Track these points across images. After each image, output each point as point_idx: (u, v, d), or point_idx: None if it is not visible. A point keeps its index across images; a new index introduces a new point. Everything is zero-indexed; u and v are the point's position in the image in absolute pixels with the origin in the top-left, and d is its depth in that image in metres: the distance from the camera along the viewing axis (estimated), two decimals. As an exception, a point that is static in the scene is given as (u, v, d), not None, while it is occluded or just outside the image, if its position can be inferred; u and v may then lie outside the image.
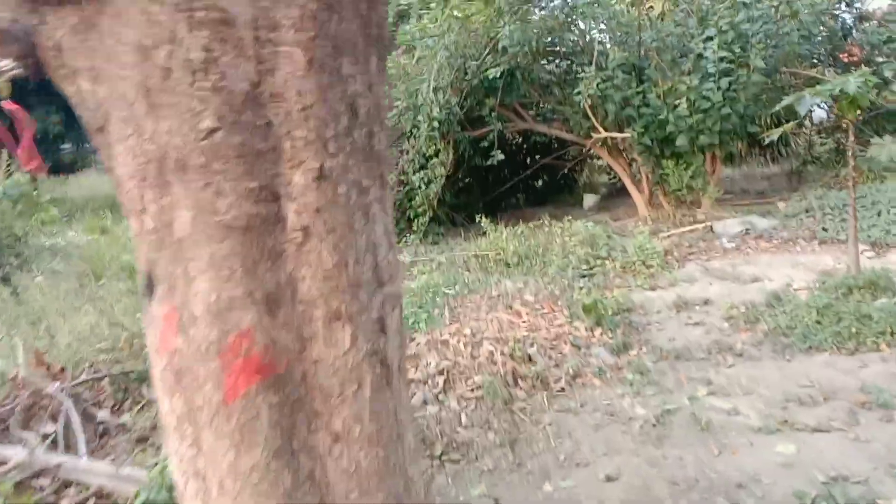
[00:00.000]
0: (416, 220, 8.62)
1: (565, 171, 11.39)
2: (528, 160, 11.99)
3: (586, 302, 4.86)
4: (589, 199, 10.82)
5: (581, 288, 5.82)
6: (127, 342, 4.50)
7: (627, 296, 5.60)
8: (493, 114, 8.77)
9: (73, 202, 19.44)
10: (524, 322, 4.88)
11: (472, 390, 4.06)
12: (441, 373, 4.18)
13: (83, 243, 9.50)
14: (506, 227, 7.73)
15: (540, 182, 12.37)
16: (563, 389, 4.11)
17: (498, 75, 8.25)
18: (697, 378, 4.18)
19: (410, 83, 8.86)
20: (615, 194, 11.46)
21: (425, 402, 3.97)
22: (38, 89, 13.82)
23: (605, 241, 6.88)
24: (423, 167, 8.60)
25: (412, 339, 4.58)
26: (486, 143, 9.07)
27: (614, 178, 11.27)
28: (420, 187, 8.41)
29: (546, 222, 7.79)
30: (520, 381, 4.15)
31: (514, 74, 9.00)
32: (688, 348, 4.61)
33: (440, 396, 4.03)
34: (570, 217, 9.68)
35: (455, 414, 3.86)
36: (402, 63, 8.95)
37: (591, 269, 6.48)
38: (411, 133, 8.56)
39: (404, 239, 8.53)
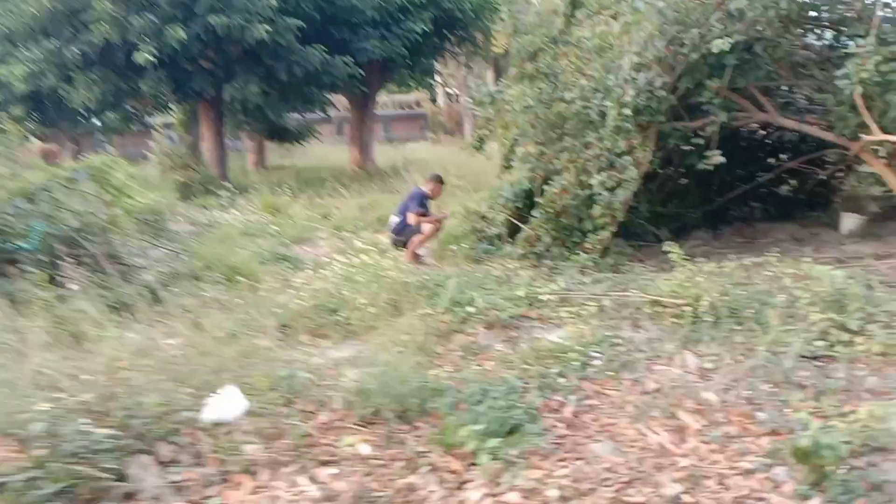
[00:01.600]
0: (591, 235, 6.77)
1: (819, 179, 8.66)
2: (770, 161, 9.39)
3: (801, 443, 2.82)
4: (849, 221, 8.06)
5: (804, 387, 3.71)
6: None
7: (884, 417, 3.38)
8: (715, 100, 6.53)
9: (279, 174, 20.20)
10: (684, 454, 2.99)
11: None
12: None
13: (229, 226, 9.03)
14: (709, 257, 5.64)
15: (783, 189, 9.69)
16: None
17: (727, 48, 6.03)
18: None
19: (609, 58, 6.98)
20: (890, 215, 8.51)
21: None
22: (235, 61, 14.00)
23: (859, 304, 4.54)
24: (609, 165, 6.69)
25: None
26: (704, 139, 6.90)
27: (890, 193, 8.31)
28: (600, 193, 6.52)
29: (772, 260, 5.53)
30: None
31: (753, 49, 6.68)
32: None
33: None
34: (813, 252, 7.25)
35: None
36: (601, 33, 7.07)
37: (829, 348, 4.25)
38: (593, 123, 6.68)
39: (570, 258, 6.73)
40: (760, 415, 3.45)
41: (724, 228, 8.99)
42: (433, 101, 34.98)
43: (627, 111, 6.14)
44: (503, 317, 4.95)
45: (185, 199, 13.30)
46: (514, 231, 7.74)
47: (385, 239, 8.34)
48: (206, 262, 6.08)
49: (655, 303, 5.02)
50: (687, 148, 7.21)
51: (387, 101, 36.82)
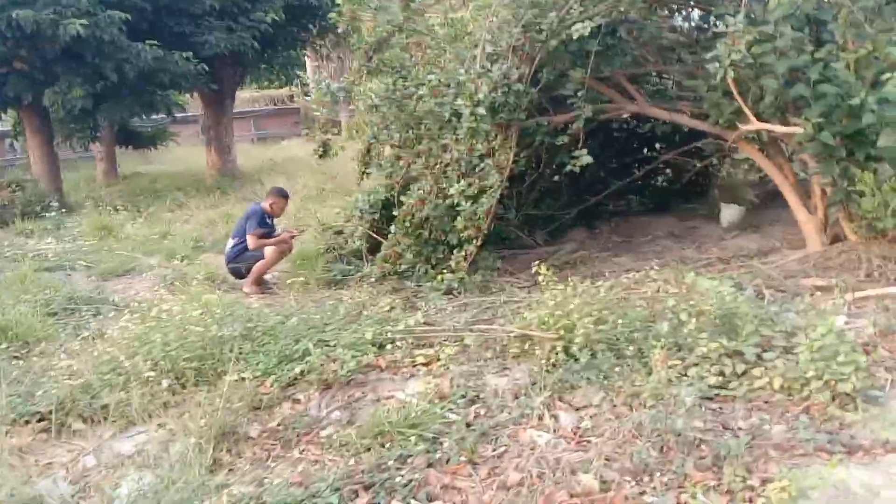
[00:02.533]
0: (455, 252, 5.97)
1: (696, 169, 8.30)
2: (645, 152, 8.98)
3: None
4: (729, 213, 7.72)
5: (701, 447, 3.04)
6: None
7: (799, 495, 2.73)
8: (580, 92, 5.87)
9: (131, 184, 18.33)
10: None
11: None
12: None
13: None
14: (582, 279, 4.97)
15: (660, 181, 9.33)
16: None
17: (587, 33, 5.37)
18: None
19: (463, 47, 6.20)
20: (768, 202, 8.27)
21: None
22: (54, 61, 12.30)
23: (753, 325, 3.95)
24: (471, 171, 5.91)
25: None
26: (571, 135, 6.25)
27: (766, 178, 8.07)
28: (460, 204, 5.73)
29: (652, 274, 4.92)
30: None
31: (617, 33, 6.09)
32: None
33: None
34: (695, 250, 6.79)
35: None
36: (453, 19, 6.27)
37: (725, 384, 3.63)
38: (450, 122, 5.87)
39: (431, 283, 5.92)
40: (651, 501, 2.73)
41: (602, 226, 8.49)
42: (306, 95, 33.49)
43: (482, 110, 5.36)
44: (342, 372, 4.04)
45: (4, 224, 11.52)
46: (375, 247, 6.86)
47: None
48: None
49: (524, 337, 4.27)
50: (558, 143, 6.55)
51: (257, 96, 35.16)
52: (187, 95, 19.26)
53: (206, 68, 13.73)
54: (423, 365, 4.24)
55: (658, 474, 2.88)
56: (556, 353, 4.04)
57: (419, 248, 6.32)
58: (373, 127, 6.96)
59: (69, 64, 12.52)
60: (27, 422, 3.68)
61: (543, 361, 4.05)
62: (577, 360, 3.96)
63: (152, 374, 3.80)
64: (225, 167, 18.49)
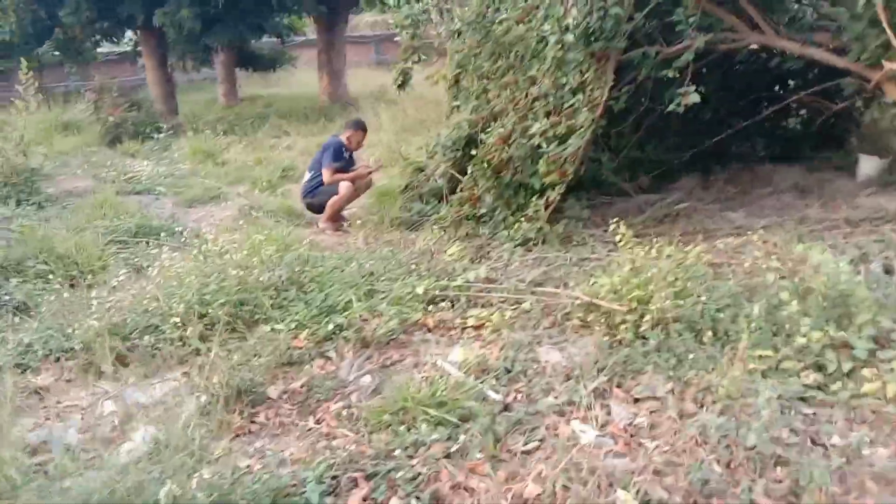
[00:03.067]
0: (535, 199, 5.44)
1: (833, 112, 7.18)
2: (776, 90, 7.90)
3: None
4: (868, 166, 6.65)
5: (778, 461, 2.50)
6: None
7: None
8: (691, 18, 5.04)
9: (248, 108, 18.60)
10: None
11: None
12: None
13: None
14: (678, 237, 4.35)
15: (790, 124, 8.23)
16: None
17: (706, -53, 4.54)
18: None
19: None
20: (919, 155, 7.08)
21: None
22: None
23: (870, 313, 3.24)
24: (558, 108, 5.29)
25: None
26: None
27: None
28: (542, 146, 5.15)
29: (756, 241, 4.20)
30: None
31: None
32: None
33: None
34: (820, 209, 5.90)
35: None
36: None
37: (823, 385, 3.00)
38: (537, 51, 5.23)
39: (508, 231, 5.44)
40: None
41: (717, 174, 7.60)
42: (429, 19, 32.81)
43: (570, 37, 4.70)
44: (381, 331, 3.71)
45: (113, 144, 11.95)
46: (457, 188, 6.43)
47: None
48: (37, 246, 4.82)
49: (590, 306, 3.75)
50: (666, 77, 5.75)
51: (380, 20, 34.95)
52: (306, 18, 19.19)
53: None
54: (474, 328, 3.84)
55: (715, 499, 2.37)
56: (625, 329, 3.51)
57: (499, 191, 5.83)
58: (459, 55, 6.42)
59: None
60: (57, 359, 3.63)
61: (607, 338, 3.54)
62: (646, 339, 3.43)
63: (177, 319, 3.61)
64: (335, 93, 18.43)
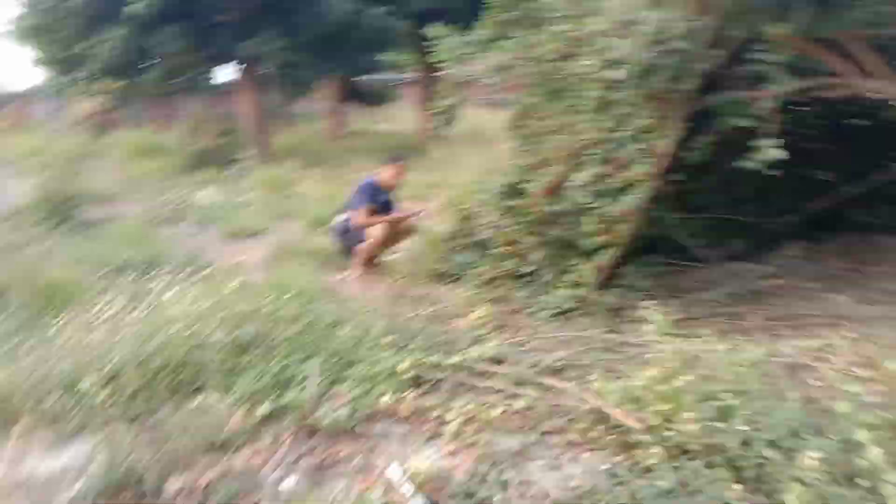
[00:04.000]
0: (579, 264, 4.63)
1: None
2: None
3: None
4: None
5: None
6: None
7: None
8: (779, 56, 4.09)
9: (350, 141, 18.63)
10: None
11: None
12: None
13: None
14: (782, 299, 3.45)
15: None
16: None
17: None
18: None
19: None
20: None
21: None
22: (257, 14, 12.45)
23: None
24: (610, 161, 4.49)
25: None
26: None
27: None
28: (591, 203, 4.36)
29: (838, 344, 3.23)
30: None
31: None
32: None
33: None
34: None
35: None
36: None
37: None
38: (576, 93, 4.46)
39: (547, 296, 4.66)
40: None
41: (829, 243, 6.44)
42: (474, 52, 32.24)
43: (619, 74, 3.92)
44: (328, 421, 3.02)
45: (193, 170, 12.02)
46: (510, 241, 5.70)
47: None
48: (21, 275, 4.50)
49: (600, 416, 2.91)
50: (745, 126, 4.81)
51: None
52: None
53: (400, 26, 13.20)
54: (458, 424, 3.07)
55: None
56: (642, 453, 2.66)
57: (545, 249, 5.06)
58: (518, 94, 5.75)
59: (267, 16, 12.69)
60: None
61: (619, 458, 2.70)
62: (665, 467, 2.56)
63: (93, 378, 3.07)
64: (431, 130, 18.15)
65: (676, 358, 3.01)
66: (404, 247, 6.60)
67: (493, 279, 5.22)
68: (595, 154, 4.54)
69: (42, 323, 3.89)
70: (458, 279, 5.65)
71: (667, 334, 3.37)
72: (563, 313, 4.54)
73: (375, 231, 5.80)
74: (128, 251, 5.54)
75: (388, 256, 6.38)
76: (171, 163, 11.96)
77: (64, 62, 16.39)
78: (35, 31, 14.21)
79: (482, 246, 6.05)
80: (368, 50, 14.48)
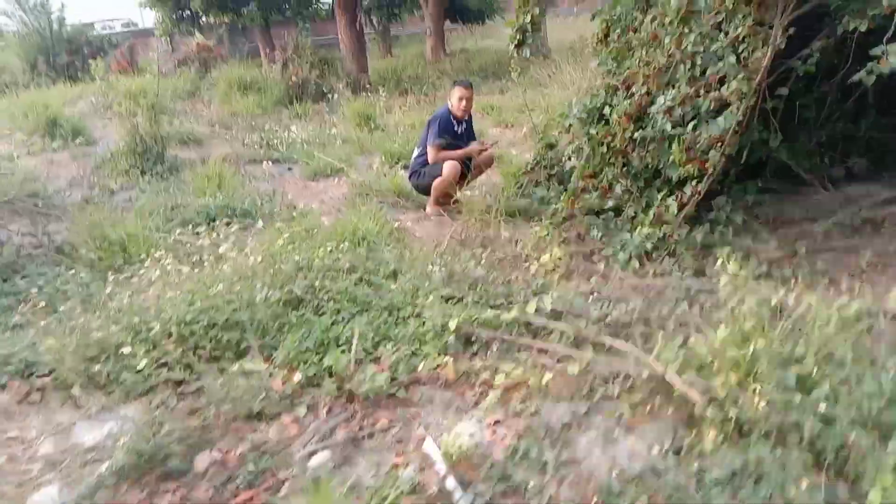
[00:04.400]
0: (663, 197, 4.18)
1: None
2: None
3: None
4: None
5: None
6: None
7: None
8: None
9: (450, 63, 18.09)
10: None
11: None
12: None
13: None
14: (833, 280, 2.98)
15: None
16: None
17: None
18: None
19: None
20: None
21: None
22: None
23: None
24: (699, 74, 3.94)
25: None
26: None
27: None
28: (658, 126, 3.87)
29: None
30: None
31: None
32: None
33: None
34: None
35: None
36: None
37: None
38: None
39: (630, 234, 4.26)
40: None
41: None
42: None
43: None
44: (366, 387, 2.86)
45: (289, 103, 12.03)
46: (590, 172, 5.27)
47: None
48: (89, 231, 4.58)
49: (662, 384, 2.58)
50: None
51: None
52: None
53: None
54: (506, 389, 2.84)
55: None
56: (707, 429, 2.33)
57: (628, 181, 4.61)
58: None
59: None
60: (30, 374, 3.25)
61: (679, 434, 2.39)
62: (732, 441, 2.23)
63: (140, 345, 3.05)
64: (533, 46, 17.32)
65: (756, 313, 2.60)
66: (484, 180, 6.30)
67: (570, 216, 4.84)
68: (682, 71, 4.00)
69: (102, 282, 3.92)
70: (537, 216, 5.31)
71: (755, 278, 2.93)
72: (643, 255, 4.14)
73: (447, 167, 5.51)
74: (201, 199, 5.56)
75: (467, 192, 6.09)
76: (267, 98, 12.00)
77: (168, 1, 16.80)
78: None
79: (564, 178, 5.65)
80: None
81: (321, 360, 3.05)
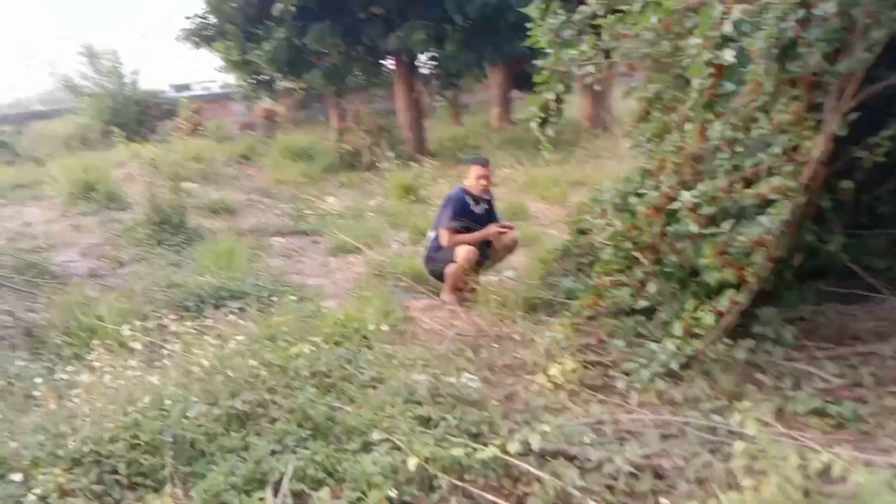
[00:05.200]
0: (698, 306, 3.54)
1: None
2: None
3: None
4: None
5: None
6: None
7: None
8: None
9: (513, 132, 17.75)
10: None
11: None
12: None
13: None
14: None
15: None
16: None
17: None
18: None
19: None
20: None
21: None
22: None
23: None
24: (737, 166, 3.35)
25: None
26: None
27: None
28: (684, 223, 3.27)
29: None
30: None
31: None
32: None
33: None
34: None
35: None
36: None
37: None
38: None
39: (659, 345, 3.63)
40: None
41: None
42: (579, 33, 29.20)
43: (728, 55, 2.78)
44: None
45: (337, 172, 11.86)
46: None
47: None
48: (63, 313, 4.25)
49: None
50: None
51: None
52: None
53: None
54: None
55: None
56: None
57: (660, 281, 3.99)
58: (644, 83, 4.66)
59: (419, 8, 12.21)
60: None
61: None
62: None
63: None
64: (596, 117, 16.85)
65: (787, 476, 1.95)
66: (512, 265, 5.75)
67: (595, 316, 4.23)
68: (717, 161, 3.41)
69: (52, 376, 3.53)
70: (562, 310, 4.71)
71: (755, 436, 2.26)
72: (671, 374, 3.48)
73: (462, 252, 4.99)
74: (202, 277, 5.20)
75: (491, 277, 5.54)
76: (315, 165, 11.87)
77: (241, 64, 17.21)
78: (211, 35, 14.98)
79: (588, 267, 5.06)
80: (520, 35, 13.56)
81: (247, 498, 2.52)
